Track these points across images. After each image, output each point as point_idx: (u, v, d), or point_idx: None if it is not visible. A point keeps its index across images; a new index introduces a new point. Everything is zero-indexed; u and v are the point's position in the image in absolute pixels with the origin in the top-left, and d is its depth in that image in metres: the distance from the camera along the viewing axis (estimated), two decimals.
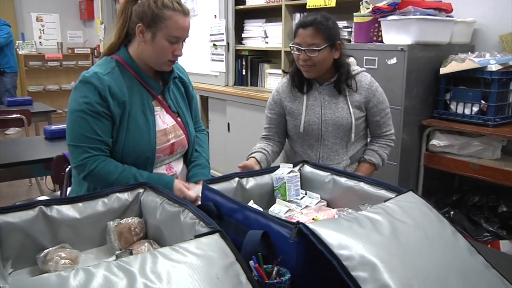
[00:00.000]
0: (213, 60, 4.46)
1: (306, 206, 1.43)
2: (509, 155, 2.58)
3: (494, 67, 2.38)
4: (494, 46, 2.76)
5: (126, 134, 1.54)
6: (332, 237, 0.98)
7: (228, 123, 4.12)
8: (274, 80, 3.99)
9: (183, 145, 1.70)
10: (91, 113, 1.48)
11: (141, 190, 1.34)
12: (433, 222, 1.12)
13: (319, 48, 1.75)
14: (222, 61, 4.34)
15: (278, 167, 1.51)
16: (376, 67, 2.60)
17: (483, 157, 2.51)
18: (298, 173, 1.49)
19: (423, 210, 1.15)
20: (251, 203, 1.38)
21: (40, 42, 8.08)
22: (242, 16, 4.25)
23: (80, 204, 1.26)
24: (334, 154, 1.91)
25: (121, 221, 1.29)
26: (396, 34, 2.54)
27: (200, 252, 0.92)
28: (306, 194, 1.51)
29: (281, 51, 3.77)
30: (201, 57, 4.60)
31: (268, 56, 4.30)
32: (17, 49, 7.57)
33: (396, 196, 1.23)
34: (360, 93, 1.88)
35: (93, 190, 1.56)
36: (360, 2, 2.80)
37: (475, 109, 2.50)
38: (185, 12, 1.55)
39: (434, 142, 2.59)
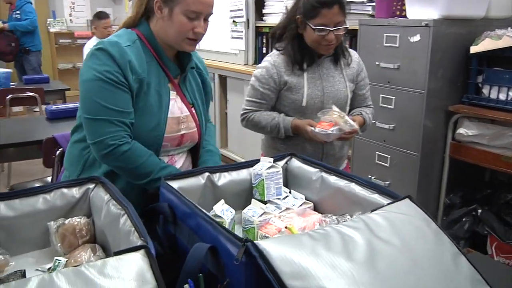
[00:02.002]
0: (233, 38, 4.22)
1: (287, 209, 1.21)
2: None
3: None
4: None
5: (137, 113, 1.36)
6: (286, 261, 0.76)
7: None
8: None
9: (193, 139, 1.52)
10: (112, 82, 1.31)
11: (91, 186, 1.16)
12: (428, 243, 0.88)
13: (346, 26, 1.73)
14: (242, 38, 4.10)
15: (259, 160, 1.29)
16: (397, 45, 2.32)
17: None
18: (280, 169, 1.27)
19: (418, 226, 0.91)
20: (220, 204, 1.16)
21: (70, 20, 8.05)
22: None
23: (16, 200, 1.09)
24: (320, 112, 1.79)
25: (65, 221, 1.12)
26: (421, 7, 2.23)
27: (112, 275, 0.73)
28: (290, 193, 1.29)
29: None
30: (220, 35, 4.38)
31: None
32: (48, 27, 7.59)
33: (388, 204, 0.99)
34: (352, 66, 1.89)
35: (88, 173, 1.39)
36: None
37: None
38: None
39: (461, 130, 2.29)
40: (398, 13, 2.42)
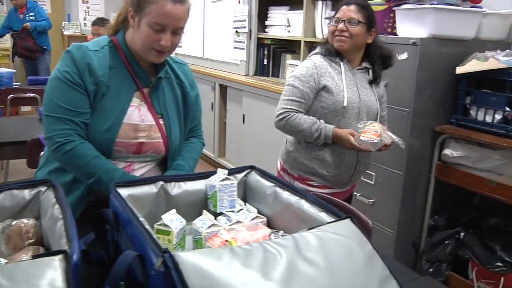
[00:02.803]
0: (235, 48, 4.24)
1: (238, 222, 1.20)
2: None
3: None
4: None
5: (93, 114, 1.39)
6: (199, 275, 0.76)
7: (244, 115, 3.91)
8: None
9: (157, 150, 1.50)
10: (68, 83, 1.36)
11: (43, 188, 1.17)
12: (357, 265, 0.86)
13: (358, 21, 1.83)
14: (244, 49, 4.11)
15: (215, 172, 1.29)
16: None
17: (504, 173, 2.15)
18: (235, 182, 1.26)
19: (350, 247, 0.89)
20: (170, 213, 1.16)
21: (84, 24, 8.18)
22: (267, 2, 4.00)
23: None
24: (361, 123, 1.84)
25: (12, 223, 1.12)
26: (411, 25, 2.22)
27: (19, 280, 0.73)
28: (245, 206, 1.28)
29: (301, 41, 3.50)
30: (224, 44, 4.40)
31: (292, 46, 4.03)
32: (62, 30, 7.72)
33: (328, 223, 0.98)
34: (380, 87, 1.97)
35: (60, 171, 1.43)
36: None
37: (498, 116, 2.14)
38: None
39: (447, 151, 2.26)
40: (389, 30, 2.41)
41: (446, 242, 2.31)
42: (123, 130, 1.41)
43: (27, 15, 5.97)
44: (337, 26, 1.86)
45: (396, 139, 1.78)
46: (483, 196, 2.47)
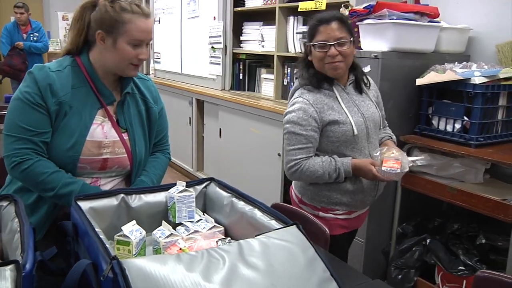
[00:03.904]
0: (212, 63, 4.31)
1: (196, 231, 1.25)
2: (496, 179, 2.30)
3: (477, 79, 2.11)
4: (492, 56, 2.48)
5: (56, 133, 1.44)
6: (144, 280, 0.80)
7: (220, 129, 3.97)
8: (268, 86, 3.80)
9: (122, 164, 1.54)
10: (29, 103, 1.40)
11: (5, 203, 1.20)
12: (297, 268, 0.92)
13: (349, 40, 1.71)
14: (219, 64, 4.18)
15: (175, 184, 1.33)
16: None
17: (465, 181, 2.24)
18: (193, 193, 1.31)
19: (292, 252, 0.95)
20: (130, 225, 1.20)
21: (65, 41, 8.21)
22: (242, 18, 4.09)
23: None
24: (377, 151, 1.75)
25: None
26: (373, 39, 2.30)
27: None
28: (204, 216, 1.33)
29: (274, 55, 3.58)
30: (201, 60, 4.47)
31: (267, 61, 4.11)
32: None
33: (275, 229, 1.03)
34: (372, 89, 1.90)
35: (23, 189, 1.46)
36: (342, 5, 2.58)
37: (458, 126, 2.23)
38: (146, 14, 1.45)
39: None
40: None
41: (413, 248, 2.38)
42: (86, 147, 1.45)
43: (31, 34, 5.96)
44: (326, 51, 1.68)
45: (416, 159, 1.74)
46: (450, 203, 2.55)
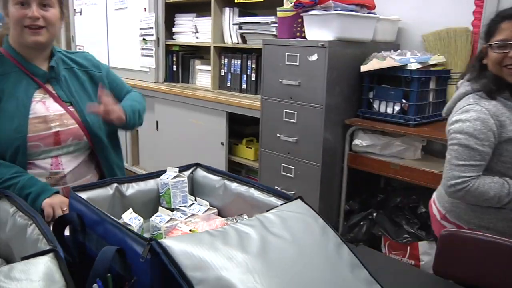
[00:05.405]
0: (143, 56, 4.24)
1: (193, 215, 1.30)
2: (430, 155, 2.55)
3: (413, 65, 2.33)
4: (418, 45, 2.73)
5: None
6: (187, 256, 0.84)
7: (157, 121, 3.93)
8: (205, 77, 3.84)
9: (76, 135, 1.56)
10: None
11: None
12: (315, 235, 1.00)
13: None
14: (152, 56, 4.13)
15: (165, 171, 1.36)
16: (297, 63, 2.50)
17: (404, 157, 2.46)
18: (185, 178, 1.35)
19: (306, 221, 1.03)
20: (128, 213, 1.22)
21: None
22: (173, 9, 4.07)
23: None
24: None
25: None
26: (318, 29, 2.44)
27: (19, 278, 0.76)
28: (196, 201, 1.37)
29: (210, 46, 3.62)
30: (131, 52, 4.38)
31: (200, 52, 4.14)
32: None
33: (282, 204, 1.11)
34: None
35: None
36: None
37: (397, 108, 2.45)
38: None
39: (356, 141, 2.52)
40: (298, 34, 2.62)
41: (361, 223, 2.57)
42: (32, 124, 1.46)
43: None
44: (506, 52, 1.46)
45: None
46: (387, 179, 2.78)
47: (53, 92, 1.55)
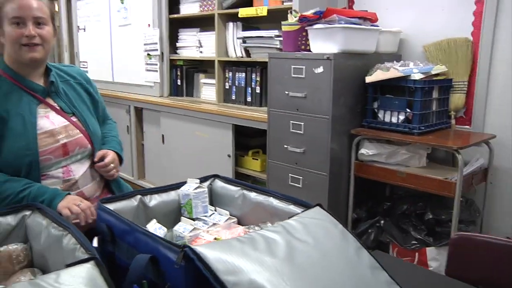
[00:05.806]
0: (148, 70, 4.31)
1: (214, 224, 1.35)
2: (434, 163, 2.61)
3: (417, 76, 2.39)
4: (419, 56, 2.81)
5: (3, 140, 1.47)
6: (220, 261, 0.89)
7: (163, 135, 3.99)
8: (209, 90, 3.90)
9: (81, 144, 1.62)
10: None
11: (28, 212, 1.21)
12: (335, 240, 1.06)
13: None
14: (157, 71, 4.20)
15: (185, 182, 1.42)
16: (303, 76, 2.57)
17: (410, 165, 2.52)
18: (206, 189, 1.40)
19: (327, 227, 1.09)
20: (153, 223, 1.27)
21: None
22: (177, 25, 4.15)
23: None
24: None
25: (1, 249, 1.15)
26: (323, 43, 2.51)
27: (67, 283, 0.81)
28: (215, 210, 1.43)
29: (214, 60, 3.69)
30: (135, 67, 4.44)
31: (204, 66, 4.21)
32: None
33: (302, 211, 1.16)
34: None
35: None
36: (289, 11, 2.77)
37: (402, 117, 2.51)
38: None
39: (362, 151, 2.57)
40: (303, 47, 2.69)
41: (369, 231, 2.62)
42: (41, 139, 1.51)
43: None
44: None
45: None
46: (392, 187, 2.84)
47: (55, 105, 1.60)
